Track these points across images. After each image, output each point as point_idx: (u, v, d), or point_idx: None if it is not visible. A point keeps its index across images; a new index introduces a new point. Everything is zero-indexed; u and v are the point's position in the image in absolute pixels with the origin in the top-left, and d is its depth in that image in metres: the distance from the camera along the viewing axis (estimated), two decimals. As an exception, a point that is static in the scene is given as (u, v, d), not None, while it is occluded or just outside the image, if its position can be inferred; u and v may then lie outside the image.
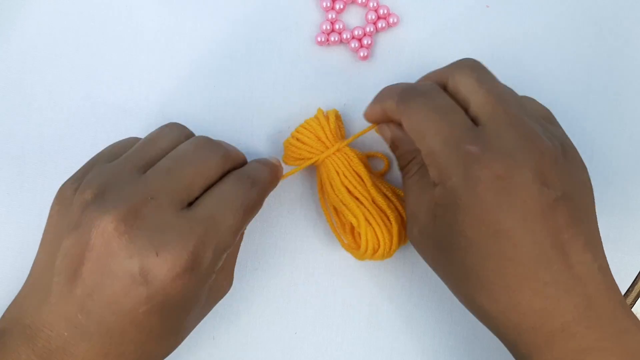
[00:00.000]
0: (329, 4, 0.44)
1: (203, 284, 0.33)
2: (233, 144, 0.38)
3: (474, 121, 0.33)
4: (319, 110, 0.42)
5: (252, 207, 0.35)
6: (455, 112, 0.34)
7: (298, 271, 0.43)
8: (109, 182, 0.32)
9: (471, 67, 0.35)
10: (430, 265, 0.37)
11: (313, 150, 0.40)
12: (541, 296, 0.31)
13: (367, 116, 0.40)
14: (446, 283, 0.36)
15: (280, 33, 0.44)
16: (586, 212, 0.33)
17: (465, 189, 0.31)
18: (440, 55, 0.44)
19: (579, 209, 0.32)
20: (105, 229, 0.30)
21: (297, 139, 0.41)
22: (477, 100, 0.34)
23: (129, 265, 0.30)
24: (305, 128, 0.41)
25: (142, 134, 0.43)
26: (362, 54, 0.44)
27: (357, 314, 0.43)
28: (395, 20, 0.44)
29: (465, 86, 0.34)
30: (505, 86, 0.35)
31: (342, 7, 0.44)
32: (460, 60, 0.36)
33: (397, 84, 0.38)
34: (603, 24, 0.45)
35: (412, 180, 0.37)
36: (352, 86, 0.44)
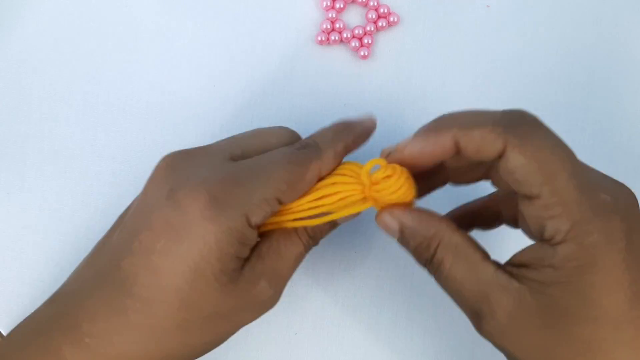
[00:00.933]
0: (329, 3, 0.44)
1: (230, 249, 0.29)
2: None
3: None
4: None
5: (295, 172, 0.31)
6: (573, 152, 0.29)
7: (298, 270, 0.43)
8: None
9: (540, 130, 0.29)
10: (525, 355, 0.28)
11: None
12: None
13: (411, 153, 0.31)
14: None
15: (280, 32, 0.44)
16: None
17: (608, 246, 0.26)
18: (441, 54, 0.45)
19: None
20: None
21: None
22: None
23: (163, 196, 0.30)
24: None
25: (142, 134, 0.43)
26: (362, 53, 0.44)
27: (357, 314, 0.43)
28: (395, 19, 0.44)
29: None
30: None
31: (342, 6, 0.44)
32: (518, 119, 0.29)
33: (472, 110, 0.30)
34: (603, 24, 0.45)
35: (452, 272, 0.30)
36: (352, 86, 0.44)
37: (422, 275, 0.43)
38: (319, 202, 0.32)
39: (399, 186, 0.31)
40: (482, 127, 0.28)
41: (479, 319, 0.29)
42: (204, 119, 0.43)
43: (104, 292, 0.30)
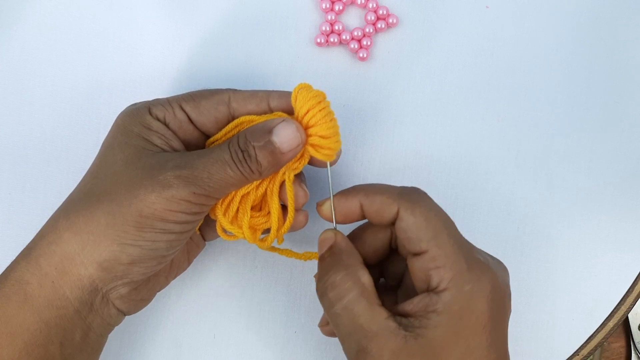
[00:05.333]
0: (328, 5, 0.44)
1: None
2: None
3: None
4: None
5: (202, 92, 0.38)
6: (452, 221, 0.35)
7: (298, 270, 0.43)
8: None
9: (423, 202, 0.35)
10: None
11: None
12: None
13: (327, 212, 0.37)
14: None
15: (280, 34, 0.44)
16: None
17: (479, 296, 0.32)
18: (440, 55, 0.45)
19: None
20: None
21: None
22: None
23: None
24: None
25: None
26: (361, 55, 0.44)
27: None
28: (394, 21, 0.44)
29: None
30: None
31: (341, 8, 0.44)
32: (410, 190, 0.35)
33: (378, 183, 0.37)
34: (603, 24, 0.45)
35: (354, 302, 0.33)
36: (351, 87, 0.44)
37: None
38: (240, 120, 0.37)
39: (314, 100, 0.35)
40: (381, 194, 0.35)
41: (363, 353, 0.32)
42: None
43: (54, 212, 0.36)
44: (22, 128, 0.43)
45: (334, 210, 0.36)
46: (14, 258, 0.35)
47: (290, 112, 0.37)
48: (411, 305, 0.33)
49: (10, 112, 0.43)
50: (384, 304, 0.34)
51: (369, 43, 0.44)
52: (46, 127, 0.43)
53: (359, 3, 0.44)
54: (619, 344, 0.51)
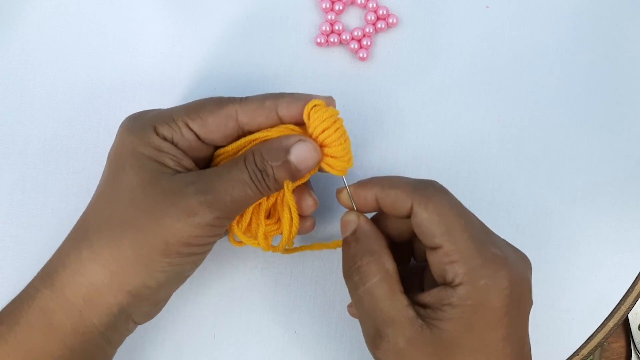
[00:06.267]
0: (328, 5, 0.44)
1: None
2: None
3: None
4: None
5: (210, 105, 0.36)
6: (469, 214, 0.35)
7: (298, 270, 0.43)
8: None
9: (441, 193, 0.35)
10: None
11: None
12: None
13: (347, 201, 0.37)
14: None
15: (280, 34, 0.44)
16: None
17: (495, 290, 0.32)
18: (440, 55, 0.45)
19: None
20: None
21: None
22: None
23: None
24: None
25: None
26: (361, 55, 0.44)
27: (356, 313, 0.43)
28: (394, 21, 0.44)
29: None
30: None
31: (341, 8, 0.44)
32: (425, 184, 0.35)
33: (395, 176, 0.37)
34: (603, 24, 0.45)
35: (376, 287, 0.34)
36: (351, 87, 0.44)
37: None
38: (253, 137, 0.36)
39: (327, 116, 0.35)
40: (396, 188, 0.35)
41: (379, 338, 0.34)
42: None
43: (71, 231, 0.36)
44: (22, 128, 0.43)
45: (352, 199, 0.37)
46: (31, 282, 0.35)
47: (299, 120, 0.36)
48: (428, 297, 0.34)
49: (10, 112, 0.43)
50: (409, 289, 0.35)
51: (369, 43, 0.44)
52: (46, 127, 0.43)
53: (359, 3, 0.44)
54: (619, 344, 0.51)
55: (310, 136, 0.36)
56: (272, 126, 0.36)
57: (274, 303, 0.43)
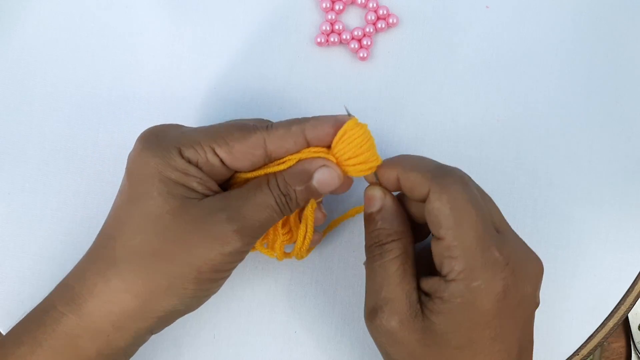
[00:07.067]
0: (328, 5, 0.44)
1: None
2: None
3: None
4: None
5: (238, 132, 0.35)
6: (485, 210, 0.34)
7: (298, 270, 0.43)
8: None
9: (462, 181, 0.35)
10: (396, 356, 0.35)
11: None
12: None
13: (372, 177, 0.37)
14: None
15: (280, 34, 0.44)
16: None
17: (487, 294, 0.32)
18: (440, 55, 0.45)
19: None
20: None
21: None
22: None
23: None
24: None
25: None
26: (361, 55, 0.44)
27: (357, 313, 0.43)
28: (394, 21, 0.44)
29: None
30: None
31: (341, 7, 0.44)
32: (445, 172, 0.35)
33: (420, 157, 0.37)
34: (603, 24, 0.45)
35: (392, 264, 0.35)
36: (351, 87, 0.44)
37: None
38: (280, 161, 0.36)
39: (357, 136, 0.35)
40: (417, 172, 0.35)
41: (375, 312, 0.34)
42: (204, 120, 0.44)
43: (88, 251, 0.36)
44: (21, 128, 0.43)
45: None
46: (51, 303, 0.35)
47: (327, 142, 0.36)
48: (427, 285, 0.34)
49: (10, 111, 0.43)
50: (419, 269, 0.36)
51: (369, 43, 0.44)
52: (46, 127, 0.43)
53: (359, 3, 0.44)
54: (619, 344, 0.51)
55: (334, 155, 0.36)
56: (299, 151, 0.36)
57: (274, 303, 0.43)
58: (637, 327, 0.51)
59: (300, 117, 0.37)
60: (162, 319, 0.34)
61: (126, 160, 0.36)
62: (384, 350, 0.36)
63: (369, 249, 0.36)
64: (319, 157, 0.36)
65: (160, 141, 0.35)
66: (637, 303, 0.44)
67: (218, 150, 0.34)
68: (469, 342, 0.33)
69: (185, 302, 0.34)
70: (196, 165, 0.34)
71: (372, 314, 0.35)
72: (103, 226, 0.36)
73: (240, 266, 0.43)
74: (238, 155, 0.35)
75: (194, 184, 0.34)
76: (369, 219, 0.37)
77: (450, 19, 0.45)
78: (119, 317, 0.33)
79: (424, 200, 0.34)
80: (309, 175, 0.35)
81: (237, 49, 0.44)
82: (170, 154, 0.34)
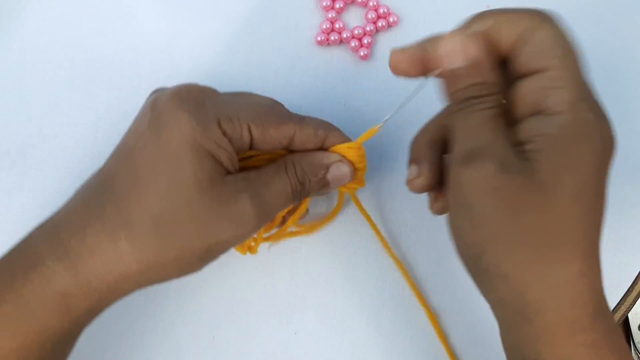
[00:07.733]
0: (328, 4, 0.44)
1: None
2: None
3: None
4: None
5: (274, 116, 0.35)
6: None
7: (298, 271, 0.43)
8: None
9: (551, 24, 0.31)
10: (487, 209, 0.30)
11: None
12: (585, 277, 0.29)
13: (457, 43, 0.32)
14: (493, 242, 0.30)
15: (280, 33, 0.44)
16: None
17: (601, 129, 0.29)
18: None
19: None
20: None
21: None
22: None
23: None
24: None
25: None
26: (362, 54, 0.44)
27: (357, 314, 0.43)
28: (395, 20, 0.44)
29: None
30: None
31: (342, 6, 0.44)
32: (541, 11, 0.32)
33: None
34: (603, 24, 0.45)
35: (489, 112, 0.30)
36: (352, 86, 0.44)
37: (422, 275, 0.43)
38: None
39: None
40: (517, 11, 0.31)
41: (471, 157, 0.30)
42: (204, 119, 0.43)
43: (86, 200, 0.33)
44: (21, 127, 0.43)
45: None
46: (39, 253, 0.32)
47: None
48: (525, 127, 0.30)
49: (9, 111, 0.43)
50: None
51: (369, 41, 0.44)
52: (45, 127, 0.43)
53: (359, 1, 0.44)
54: (618, 343, 0.52)
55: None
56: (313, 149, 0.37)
57: (274, 304, 0.43)
58: (637, 327, 0.51)
59: (306, 115, 0.37)
60: (154, 284, 0.34)
61: (144, 104, 0.35)
62: (474, 203, 0.30)
63: (458, 100, 0.32)
64: (335, 153, 0.37)
65: (199, 106, 0.33)
66: (637, 303, 0.44)
67: (253, 130, 0.34)
68: (577, 187, 0.28)
69: (181, 274, 0.34)
70: (230, 140, 0.33)
71: (466, 159, 0.30)
72: (109, 170, 0.34)
73: (240, 267, 0.43)
74: (268, 139, 0.35)
75: (223, 158, 0.33)
76: (453, 77, 0.32)
77: (450, 17, 0.45)
78: (116, 278, 0.32)
79: (507, 52, 0.31)
80: (326, 168, 0.36)
81: (237, 47, 0.44)
82: (209, 123, 0.32)
